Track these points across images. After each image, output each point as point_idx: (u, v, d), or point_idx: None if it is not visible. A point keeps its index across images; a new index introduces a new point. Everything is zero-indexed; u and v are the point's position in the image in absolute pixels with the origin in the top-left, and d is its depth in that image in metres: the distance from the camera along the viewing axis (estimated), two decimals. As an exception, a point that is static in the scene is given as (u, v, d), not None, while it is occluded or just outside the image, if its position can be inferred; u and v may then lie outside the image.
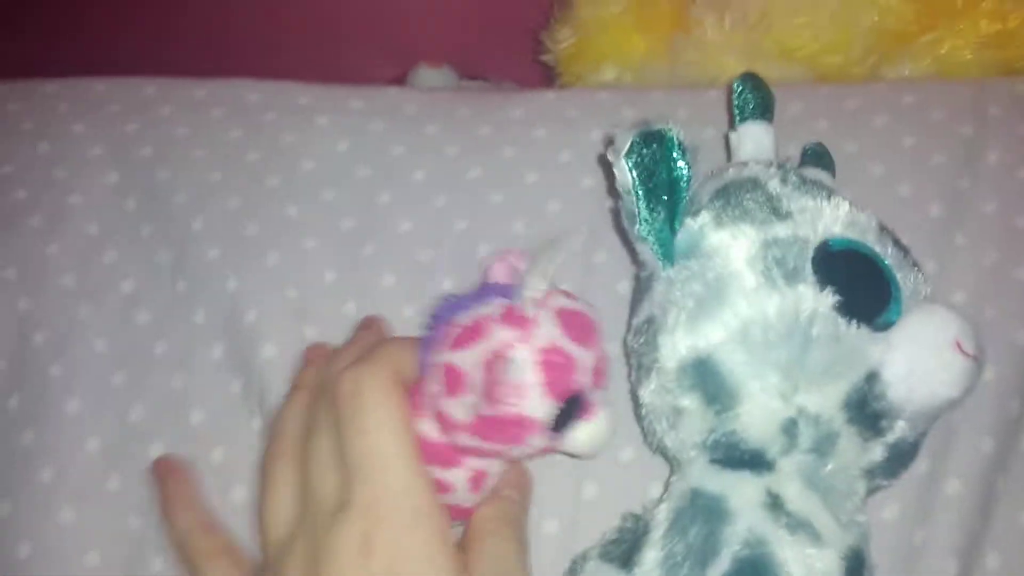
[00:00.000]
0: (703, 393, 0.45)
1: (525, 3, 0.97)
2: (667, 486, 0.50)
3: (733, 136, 0.57)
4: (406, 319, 0.62)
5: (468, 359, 0.44)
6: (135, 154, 0.69)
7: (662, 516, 0.46)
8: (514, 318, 0.44)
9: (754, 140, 0.56)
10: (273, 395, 0.58)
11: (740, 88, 0.56)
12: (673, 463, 0.50)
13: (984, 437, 0.55)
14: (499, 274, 0.49)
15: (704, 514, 0.45)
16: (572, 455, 0.48)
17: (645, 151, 0.46)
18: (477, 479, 0.49)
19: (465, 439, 0.46)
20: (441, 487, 0.47)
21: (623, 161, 0.46)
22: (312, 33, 1.07)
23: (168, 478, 0.57)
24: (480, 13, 1.05)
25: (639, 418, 0.51)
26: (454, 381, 0.45)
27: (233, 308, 0.62)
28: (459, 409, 0.45)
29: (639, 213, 0.46)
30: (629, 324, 0.52)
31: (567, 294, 0.48)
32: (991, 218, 0.62)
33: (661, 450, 0.51)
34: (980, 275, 0.60)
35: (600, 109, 0.70)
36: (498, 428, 0.45)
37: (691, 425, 0.47)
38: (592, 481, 0.55)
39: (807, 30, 0.77)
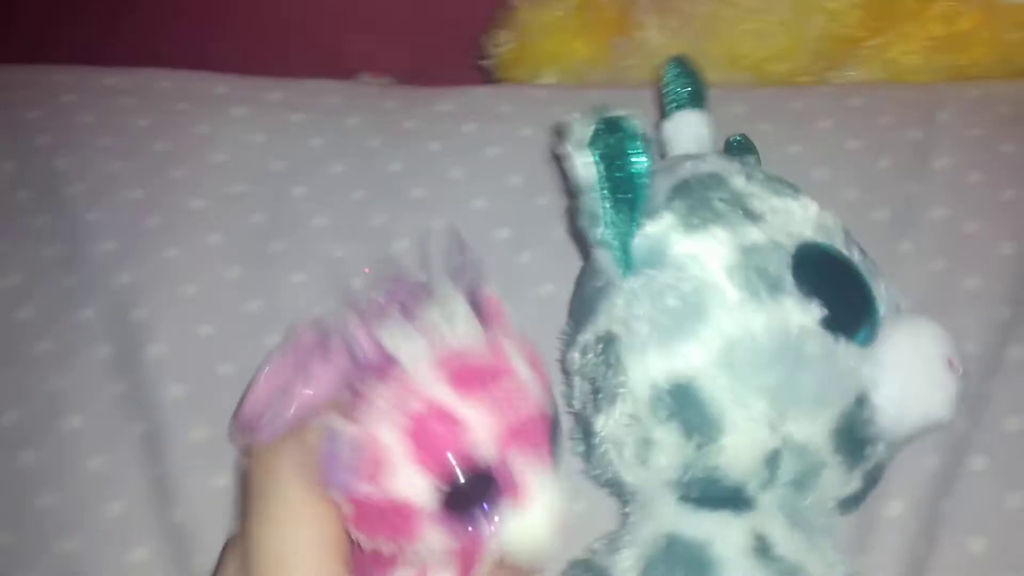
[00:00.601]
0: (682, 424, 0.39)
1: (469, 11, 0.94)
2: (625, 525, 0.43)
3: (668, 126, 0.51)
4: (315, 319, 0.57)
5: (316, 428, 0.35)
6: (34, 142, 0.64)
7: (628, 565, 0.39)
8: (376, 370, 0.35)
9: (690, 131, 0.50)
10: (160, 398, 0.53)
11: (673, 74, 0.51)
12: (629, 499, 0.43)
13: (928, 455, 0.51)
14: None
15: (684, 565, 0.38)
16: (516, 557, 0.35)
17: (610, 141, 0.39)
18: None
19: (359, 538, 0.35)
20: None
21: (585, 153, 0.39)
22: (251, 42, 1.03)
23: None
24: (423, 21, 1.01)
25: (588, 447, 0.44)
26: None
27: (123, 304, 0.57)
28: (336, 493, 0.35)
29: (603, 214, 0.40)
30: (571, 338, 0.45)
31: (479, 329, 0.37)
32: (939, 224, 0.58)
33: (613, 484, 0.44)
34: (927, 283, 0.56)
35: (534, 105, 0.66)
36: (377, 517, 0.35)
37: (664, 460, 0.40)
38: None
39: (754, 36, 0.74)
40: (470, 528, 0.34)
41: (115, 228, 0.60)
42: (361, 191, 0.61)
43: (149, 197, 0.61)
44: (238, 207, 0.61)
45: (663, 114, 0.52)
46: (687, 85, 0.50)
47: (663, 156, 0.51)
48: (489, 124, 0.64)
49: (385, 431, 0.34)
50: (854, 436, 0.39)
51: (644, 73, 0.77)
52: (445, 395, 0.34)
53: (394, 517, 0.34)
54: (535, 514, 0.34)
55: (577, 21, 0.80)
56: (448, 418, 0.34)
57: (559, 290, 0.57)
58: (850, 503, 0.42)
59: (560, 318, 0.56)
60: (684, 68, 0.51)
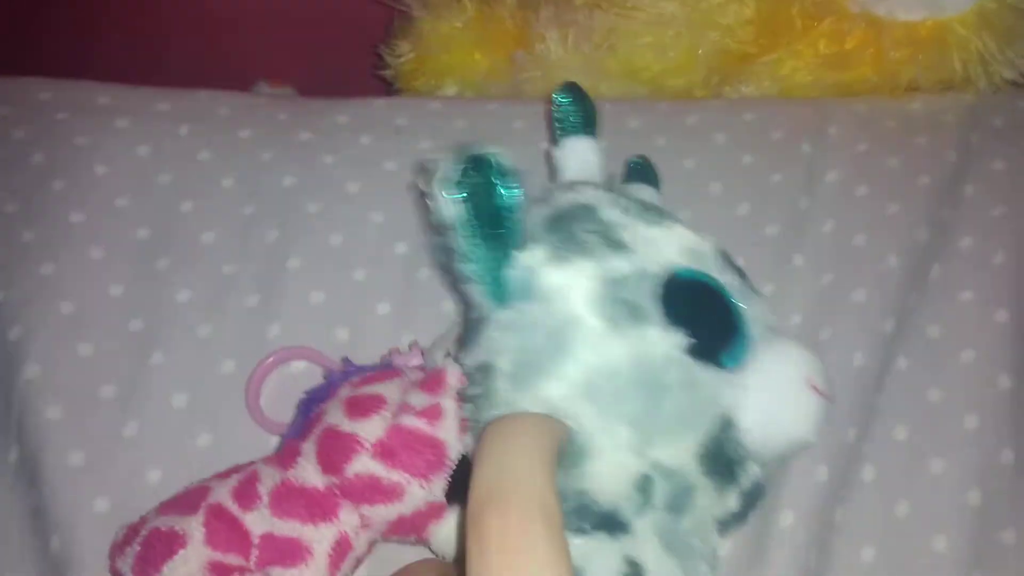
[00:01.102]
0: None
1: (371, 20, 0.93)
2: None
3: (558, 152, 0.51)
4: (201, 339, 0.55)
5: None
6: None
7: None
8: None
9: (579, 157, 0.50)
10: (32, 422, 0.51)
11: (562, 101, 0.51)
12: None
13: (818, 466, 0.52)
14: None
15: None
16: None
17: (474, 179, 0.39)
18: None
19: None
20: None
21: (451, 191, 0.39)
22: (145, 49, 1.00)
23: None
24: (323, 30, 0.99)
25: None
26: None
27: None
28: None
29: (469, 252, 0.40)
30: (457, 359, 0.46)
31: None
32: (829, 237, 0.59)
33: None
34: (817, 296, 0.57)
35: (432, 118, 0.65)
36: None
37: None
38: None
39: (651, 51, 0.74)
40: None
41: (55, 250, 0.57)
42: (252, 206, 0.60)
43: (25, 210, 0.58)
44: (122, 221, 0.59)
45: (553, 140, 0.51)
46: (577, 111, 0.50)
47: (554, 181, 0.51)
48: (386, 137, 0.63)
49: None
50: (722, 458, 0.40)
51: (544, 86, 0.76)
52: None
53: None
54: None
55: (476, 33, 0.80)
56: None
57: (457, 304, 0.57)
58: (730, 523, 0.42)
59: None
60: (575, 94, 0.51)
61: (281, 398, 0.52)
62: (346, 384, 0.47)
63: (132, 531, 0.44)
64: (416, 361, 0.49)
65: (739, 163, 0.62)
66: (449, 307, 0.57)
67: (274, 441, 0.52)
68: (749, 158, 0.62)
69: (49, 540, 0.49)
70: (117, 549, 0.44)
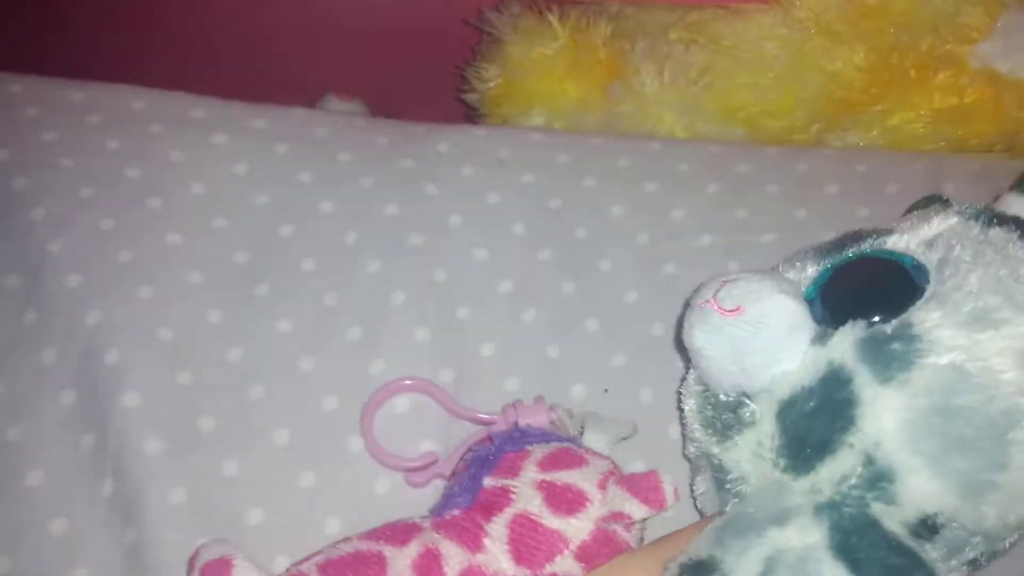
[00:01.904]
0: None
1: (447, 37, 0.91)
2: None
3: None
4: (302, 373, 0.53)
5: None
6: (-12, 159, 0.59)
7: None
8: None
9: None
10: (131, 455, 0.49)
11: None
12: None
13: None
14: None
15: None
16: None
17: None
18: None
19: None
20: None
21: None
22: (215, 56, 0.98)
23: None
24: (397, 44, 0.98)
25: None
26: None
27: (91, 346, 0.52)
28: None
29: None
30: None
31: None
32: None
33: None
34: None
35: (533, 151, 0.64)
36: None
37: None
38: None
39: (750, 91, 0.73)
40: None
41: (81, 260, 0.55)
42: (353, 234, 0.58)
43: (122, 228, 0.57)
44: (220, 244, 0.57)
45: None
46: None
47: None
48: (488, 168, 0.62)
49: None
50: None
51: (637, 120, 0.75)
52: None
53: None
54: None
55: (567, 61, 0.78)
56: None
57: (564, 351, 0.55)
58: None
59: (566, 378, 0.54)
60: None
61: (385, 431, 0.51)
62: (524, 454, 0.45)
63: None
64: (542, 418, 0.47)
65: (853, 215, 0.61)
66: (555, 353, 0.55)
67: (382, 479, 0.50)
68: (864, 211, 0.61)
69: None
70: None
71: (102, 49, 0.97)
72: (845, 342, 0.40)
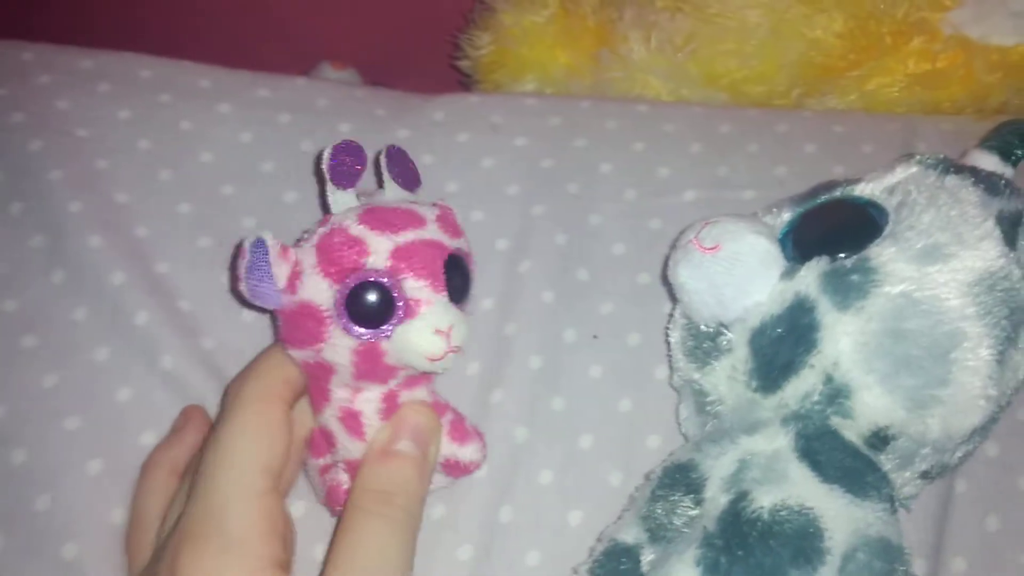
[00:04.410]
0: None
1: (440, 5, 0.96)
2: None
3: None
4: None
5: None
6: (5, 121, 0.64)
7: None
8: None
9: None
10: (170, 409, 0.55)
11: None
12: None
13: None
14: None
15: None
16: (415, 367, 0.47)
17: None
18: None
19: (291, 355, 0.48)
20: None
21: None
22: (209, 23, 1.03)
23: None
24: (391, 12, 1.03)
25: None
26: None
27: (119, 308, 0.58)
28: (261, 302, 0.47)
29: None
30: None
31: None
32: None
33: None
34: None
35: (526, 115, 0.69)
36: (294, 325, 0.46)
37: None
38: (509, 505, 0.55)
39: (733, 58, 0.78)
40: (367, 335, 0.45)
41: (101, 224, 0.61)
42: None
43: (136, 200, 0.62)
44: (229, 210, 0.62)
45: None
46: None
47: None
48: (483, 134, 0.67)
49: (301, 249, 0.46)
50: None
51: (625, 86, 0.81)
52: (353, 225, 0.46)
53: (306, 321, 0.45)
54: (420, 327, 0.45)
55: (558, 28, 0.83)
56: (349, 239, 0.45)
57: (559, 296, 0.61)
58: None
59: (558, 324, 0.59)
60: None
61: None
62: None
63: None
64: None
65: (830, 172, 0.66)
66: (550, 298, 0.61)
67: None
68: (840, 168, 0.66)
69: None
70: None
71: (97, 13, 1.02)
72: (810, 275, 0.47)
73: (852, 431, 0.47)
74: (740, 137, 0.68)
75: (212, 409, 0.55)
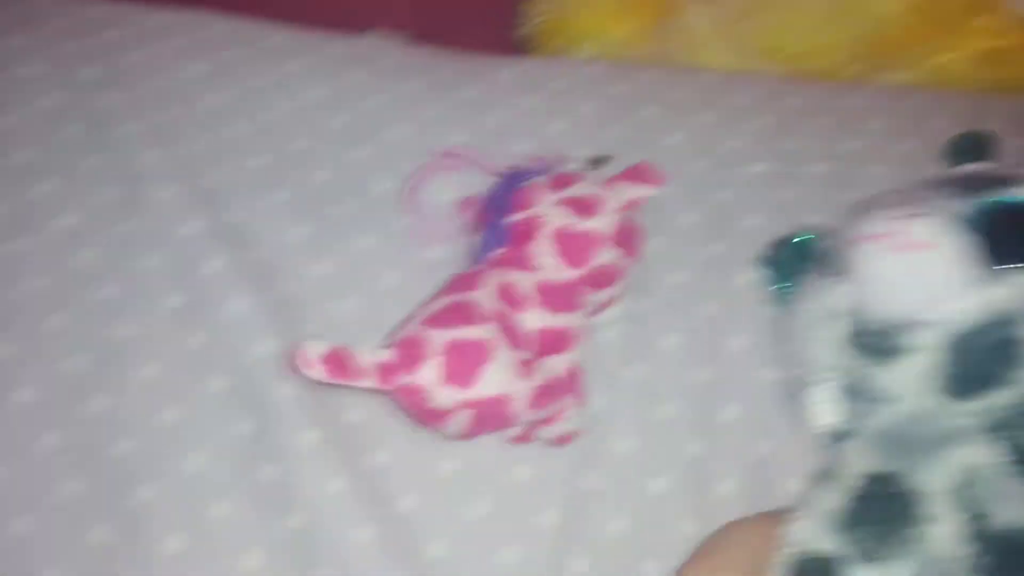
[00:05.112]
0: None
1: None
2: None
3: None
4: (386, 287, 0.59)
5: None
6: (77, 76, 0.64)
7: None
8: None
9: None
10: (240, 355, 0.55)
11: None
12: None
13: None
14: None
15: None
16: None
17: None
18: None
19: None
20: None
21: None
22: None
23: None
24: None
25: None
26: None
27: (192, 256, 0.58)
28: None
29: None
30: None
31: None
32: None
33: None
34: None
35: (592, 82, 0.69)
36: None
37: None
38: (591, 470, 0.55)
39: (794, 30, 0.78)
40: None
41: (174, 176, 0.61)
42: (422, 161, 0.63)
43: (207, 152, 0.62)
44: (301, 165, 0.62)
45: None
46: None
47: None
48: (549, 99, 0.67)
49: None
50: None
51: (684, 58, 0.80)
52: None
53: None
54: None
55: (622, -3, 0.83)
56: None
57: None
58: None
59: (631, 293, 0.59)
60: None
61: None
62: (531, 188, 0.56)
63: (410, 347, 0.49)
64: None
65: (898, 149, 0.66)
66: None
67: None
68: (909, 145, 0.66)
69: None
70: (396, 367, 0.48)
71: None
72: (1016, 288, 0.47)
73: None
74: (809, 110, 0.68)
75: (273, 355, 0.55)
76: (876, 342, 0.50)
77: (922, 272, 0.48)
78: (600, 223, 0.54)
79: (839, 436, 0.52)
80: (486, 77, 0.68)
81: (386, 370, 0.48)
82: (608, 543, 0.54)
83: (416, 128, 0.65)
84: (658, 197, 0.63)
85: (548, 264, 0.53)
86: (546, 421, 0.53)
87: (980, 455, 0.46)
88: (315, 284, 0.58)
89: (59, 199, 0.59)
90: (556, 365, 0.53)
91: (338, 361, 0.48)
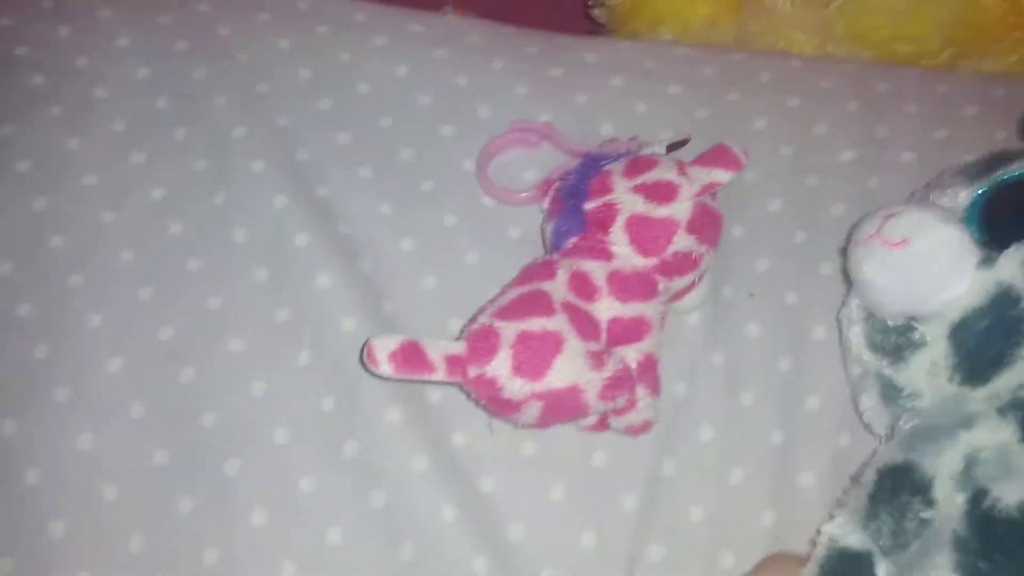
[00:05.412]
0: None
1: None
2: None
3: None
4: (468, 265, 0.59)
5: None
6: (169, 48, 0.65)
7: None
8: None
9: None
10: (326, 329, 0.56)
11: None
12: None
13: None
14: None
15: None
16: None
17: None
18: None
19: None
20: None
21: None
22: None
23: None
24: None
25: None
26: None
27: (280, 230, 0.58)
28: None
29: None
30: None
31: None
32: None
33: None
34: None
35: (679, 63, 0.68)
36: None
37: None
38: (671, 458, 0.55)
39: (884, 14, 0.76)
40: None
41: (263, 150, 0.61)
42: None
43: (296, 126, 0.62)
44: (387, 141, 0.62)
45: None
46: None
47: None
48: (636, 80, 0.66)
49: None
50: None
51: (768, 41, 0.79)
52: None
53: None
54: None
55: (699, -21, 0.81)
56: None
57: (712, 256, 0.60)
58: None
59: (715, 280, 0.58)
60: None
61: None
62: (607, 174, 0.55)
63: (481, 338, 0.49)
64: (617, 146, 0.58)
65: (992, 137, 0.64)
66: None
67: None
68: (1002, 134, 0.64)
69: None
70: (469, 359, 0.49)
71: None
72: (1013, 263, 0.45)
73: None
74: (898, 97, 0.66)
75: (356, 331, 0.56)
76: (887, 342, 0.49)
77: (901, 270, 0.47)
78: (675, 209, 0.53)
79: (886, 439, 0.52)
80: (572, 57, 0.67)
81: (457, 362, 0.49)
82: (686, 531, 0.53)
83: (501, 107, 0.64)
84: (743, 183, 0.62)
85: (622, 252, 0.53)
86: (620, 411, 0.53)
87: (986, 436, 0.45)
88: (399, 260, 0.58)
89: (148, 171, 0.60)
90: (629, 355, 0.52)
91: (409, 355, 0.48)
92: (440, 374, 0.48)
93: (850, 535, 0.47)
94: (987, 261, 0.46)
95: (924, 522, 0.45)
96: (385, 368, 0.47)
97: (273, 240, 0.58)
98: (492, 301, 0.51)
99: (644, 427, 0.54)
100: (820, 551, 0.48)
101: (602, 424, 0.54)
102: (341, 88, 0.64)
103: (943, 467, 0.45)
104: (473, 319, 0.51)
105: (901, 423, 0.50)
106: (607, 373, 0.50)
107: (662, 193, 0.53)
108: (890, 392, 0.51)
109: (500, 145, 0.62)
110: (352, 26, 0.67)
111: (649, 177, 0.54)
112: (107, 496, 0.52)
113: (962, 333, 0.47)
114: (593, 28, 0.90)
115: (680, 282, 0.55)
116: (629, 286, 0.52)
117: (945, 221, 0.47)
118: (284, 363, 0.55)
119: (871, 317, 0.51)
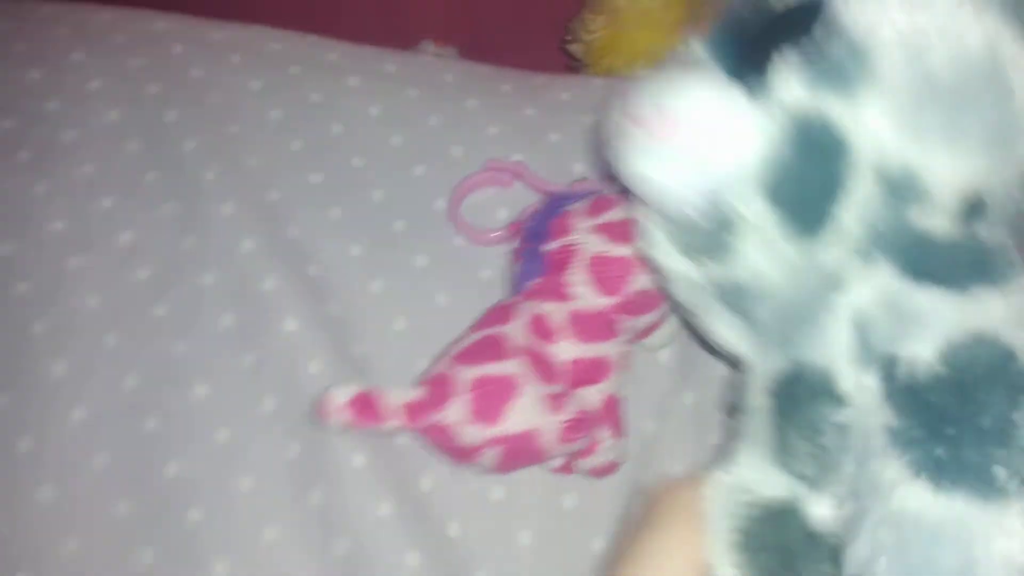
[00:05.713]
0: None
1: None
2: None
3: None
4: (439, 306, 0.58)
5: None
6: (140, 91, 0.64)
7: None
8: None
9: None
10: (293, 374, 0.55)
11: None
12: None
13: None
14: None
15: None
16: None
17: None
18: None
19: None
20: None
21: None
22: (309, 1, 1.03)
23: None
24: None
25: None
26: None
27: (248, 274, 0.57)
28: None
29: None
30: None
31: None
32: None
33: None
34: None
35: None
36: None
37: None
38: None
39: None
40: None
41: (233, 192, 0.60)
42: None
43: (267, 167, 0.62)
44: (358, 182, 0.62)
45: None
46: None
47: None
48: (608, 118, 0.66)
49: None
50: None
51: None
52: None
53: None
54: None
55: (676, 14, 0.82)
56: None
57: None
58: None
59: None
60: None
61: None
62: (567, 215, 0.54)
63: (438, 385, 0.49)
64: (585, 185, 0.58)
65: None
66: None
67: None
68: None
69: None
70: (424, 407, 0.48)
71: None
72: (792, 82, 0.38)
73: (939, 215, 0.37)
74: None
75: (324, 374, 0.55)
76: (700, 238, 0.42)
77: (680, 161, 0.40)
78: (635, 248, 0.52)
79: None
80: (545, 96, 0.67)
81: (414, 409, 0.49)
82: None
83: (474, 146, 0.64)
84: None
85: (582, 293, 0.52)
86: (582, 453, 0.52)
87: (862, 289, 0.38)
88: (368, 302, 0.58)
89: (118, 215, 0.59)
90: (591, 396, 0.52)
91: (366, 405, 0.48)
92: (397, 422, 0.48)
93: (768, 480, 0.40)
94: (759, 92, 0.39)
95: (842, 428, 0.37)
96: (341, 417, 0.48)
97: (240, 284, 0.57)
98: (452, 345, 0.51)
99: (609, 469, 0.53)
100: (737, 508, 0.40)
101: (568, 467, 0.53)
102: (313, 128, 0.63)
103: (834, 350, 0.38)
104: (433, 364, 0.50)
105: (755, 334, 0.42)
106: (565, 416, 0.49)
107: (623, 232, 0.52)
108: (733, 297, 0.42)
109: (473, 183, 0.62)
110: (325, 66, 0.66)
111: (612, 216, 0.53)
112: (68, 548, 0.50)
113: (776, 184, 0.39)
114: (570, 63, 0.90)
115: (644, 320, 0.54)
116: (589, 327, 0.52)
117: (697, 81, 0.40)
118: (249, 410, 0.54)
119: (670, 220, 0.43)
